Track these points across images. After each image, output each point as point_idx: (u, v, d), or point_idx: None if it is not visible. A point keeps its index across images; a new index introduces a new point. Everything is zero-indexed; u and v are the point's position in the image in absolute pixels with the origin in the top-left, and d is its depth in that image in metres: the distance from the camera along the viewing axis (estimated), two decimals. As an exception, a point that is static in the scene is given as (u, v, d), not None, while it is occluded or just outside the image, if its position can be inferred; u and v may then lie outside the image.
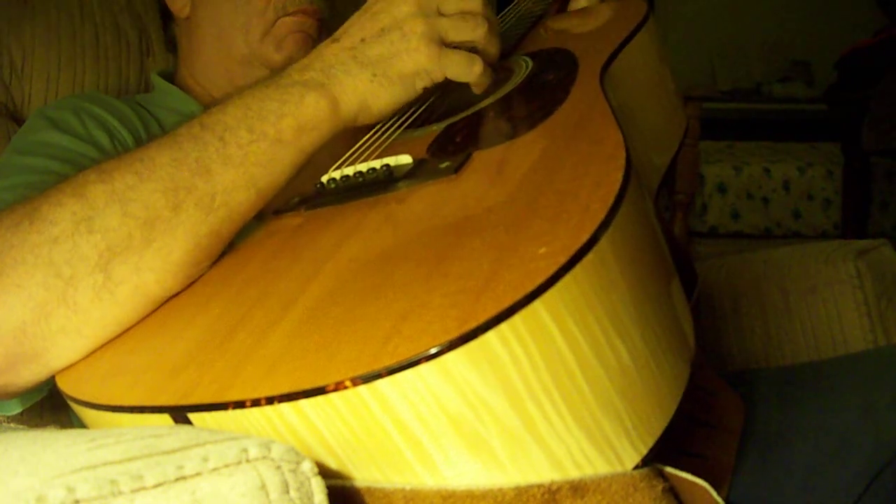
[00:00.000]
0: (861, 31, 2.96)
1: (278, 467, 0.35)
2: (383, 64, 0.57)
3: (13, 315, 0.48)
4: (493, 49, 0.63)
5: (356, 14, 0.61)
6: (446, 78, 0.60)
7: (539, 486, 0.37)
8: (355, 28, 0.59)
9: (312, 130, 0.55)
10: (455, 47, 0.60)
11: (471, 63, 0.59)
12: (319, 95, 0.55)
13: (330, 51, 0.58)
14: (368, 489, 0.38)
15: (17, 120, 0.92)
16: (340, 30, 0.60)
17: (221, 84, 0.88)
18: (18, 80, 0.93)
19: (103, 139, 0.77)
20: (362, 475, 0.38)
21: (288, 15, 0.84)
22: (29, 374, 0.50)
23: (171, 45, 0.96)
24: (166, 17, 0.94)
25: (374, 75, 0.57)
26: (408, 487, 0.37)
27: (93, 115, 0.78)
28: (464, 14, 0.60)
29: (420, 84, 0.59)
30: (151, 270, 0.50)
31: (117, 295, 0.50)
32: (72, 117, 0.77)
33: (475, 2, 0.61)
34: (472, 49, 0.61)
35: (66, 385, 0.48)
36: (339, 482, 0.38)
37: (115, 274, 0.49)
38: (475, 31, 0.61)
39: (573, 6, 0.82)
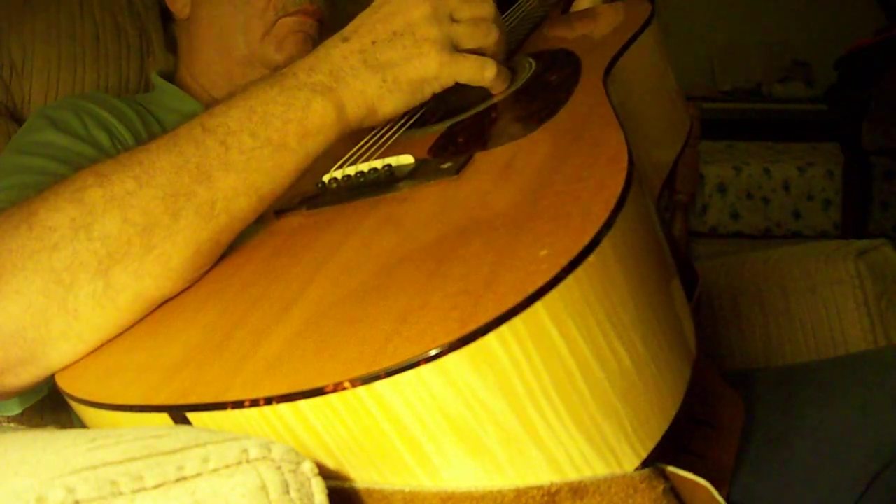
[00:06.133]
0: (861, 31, 2.96)
1: (279, 468, 0.35)
2: (393, 69, 0.57)
3: (13, 321, 0.48)
4: (502, 54, 0.63)
5: (366, 12, 0.60)
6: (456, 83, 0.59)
7: (538, 488, 0.37)
8: (366, 28, 0.58)
9: (317, 135, 0.54)
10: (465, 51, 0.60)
11: (483, 67, 0.60)
12: (326, 100, 0.54)
13: (339, 52, 0.57)
14: (367, 491, 0.38)
15: (17, 120, 0.92)
16: (349, 28, 0.59)
17: (221, 84, 0.88)
18: (18, 79, 0.93)
19: (103, 139, 0.76)
20: (361, 477, 0.38)
21: (288, 15, 0.84)
22: (28, 376, 0.50)
23: (171, 45, 0.96)
24: (166, 17, 0.94)
25: (384, 80, 0.56)
26: (407, 489, 0.37)
27: (93, 115, 0.78)
28: (476, 20, 0.60)
29: (429, 90, 0.59)
30: (151, 276, 0.50)
31: (117, 301, 0.49)
32: (72, 117, 0.77)
33: (487, 9, 0.61)
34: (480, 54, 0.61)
35: (65, 383, 0.48)
36: (337, 483, 0.38)
37: (116, 281, 0.49)
38: (487, 38, 0.61)
39: (576, 7, 0.82)
